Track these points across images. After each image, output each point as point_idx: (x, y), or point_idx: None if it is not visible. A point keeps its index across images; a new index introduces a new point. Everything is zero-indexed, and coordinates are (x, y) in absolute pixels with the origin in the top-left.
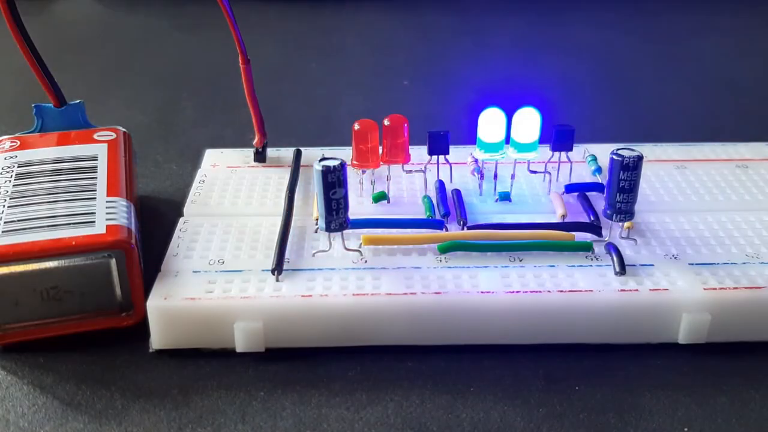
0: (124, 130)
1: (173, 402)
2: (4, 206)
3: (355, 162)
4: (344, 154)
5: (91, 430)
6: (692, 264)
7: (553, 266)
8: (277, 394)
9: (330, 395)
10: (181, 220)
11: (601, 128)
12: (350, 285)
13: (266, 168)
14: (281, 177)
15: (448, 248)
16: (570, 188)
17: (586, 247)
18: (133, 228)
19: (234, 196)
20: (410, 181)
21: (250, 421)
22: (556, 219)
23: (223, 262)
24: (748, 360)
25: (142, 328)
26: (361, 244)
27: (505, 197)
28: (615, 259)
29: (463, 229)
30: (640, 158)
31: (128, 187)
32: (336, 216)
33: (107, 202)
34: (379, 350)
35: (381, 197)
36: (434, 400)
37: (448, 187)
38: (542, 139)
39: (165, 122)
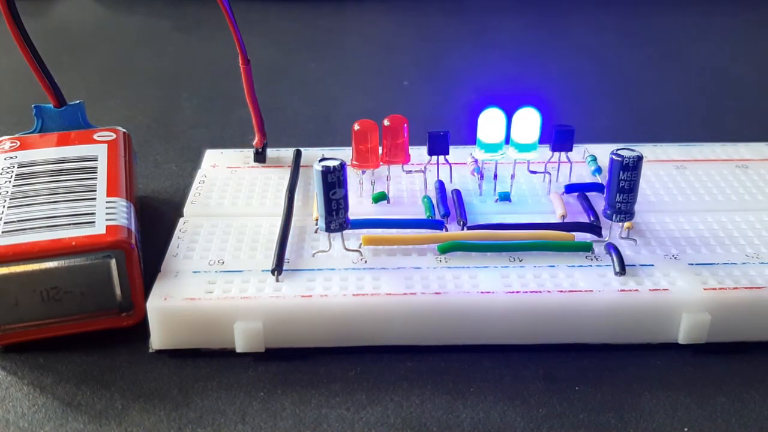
0: (124, 130)
1: (173, 402)
2: (4, 207)
3: (355, 162)
4: (344, 154)
5: (91, 430)
6: (692, 264)
7: (553, 266)
8: (277, 394)
9: (330, 395)
10: (181, 220)
11: (601, 128)
12: (350, 285)
13: (266, 168)
14: (281, 177)
15: (448, 248)
16: (570, 188)
17: (586, 248)
18: (133, 228)
19: (234, 197)
20: (410, 181)
21: (250, 421)
22: (556, 219)
23: (223, 263)
24: (748, 360)
25: (142, 328)
26: (361, 244)
27: (505, 197)
28: (615, 259)
29: (463, 229)
30: (640, 158)
31: (128, 188)
32: (336, 216)
33: (107, 202)
34: (379, 350)
35: (381, 197)
36: (434, 400)
37: (448, 188)
38: (542, 139)
39: (165, 122)
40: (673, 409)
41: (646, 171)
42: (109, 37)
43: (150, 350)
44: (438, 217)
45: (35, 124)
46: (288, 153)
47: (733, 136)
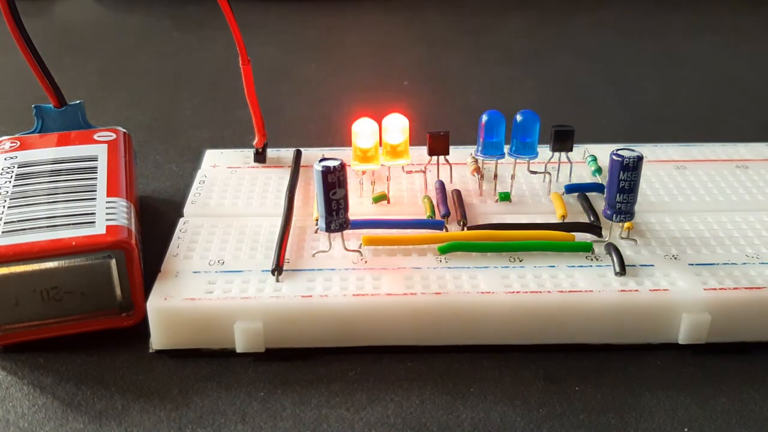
0: (124, 130)
1: (173, 402)
2: (4, 207)
3: (355, 162)
4: (344, 154)
5: (91, 430)
6: (692, 264)
7: (553, 266)
8: (277, 394)
9: (330, 395)
10: (181, 220)
11: (601, 128)
12: (350, 285)
13: (266, 168)
14: (281, 177)
15: (448, 249)
16: (570, 188)
17: (586, 248)
18: (133, 228)
19: (234, 197)
20: (410, 181)
21: (250, 421)
22: (556, 219)
23: (223, 263)
24: (748, 360)
25: (142, 328)
26: (361, 244)
27: (505, 197)
28: (615, 259)
29: (463, 229)
30: (640, 158)
31: (128, 188)
32: (336, 216)
33: (107, 202)
34: (379, 350)
35: (381, 198)
36: (434, 400)
37: (448, 188)
38: (542, 140)
39: (165, 122)
40: (673, 409)
41: (646, 171)
42: (109, 37)
43: (150, 350)
44: (438, 217)
45: (35, 124)
46: (288, 153)
47: (733, 136)
